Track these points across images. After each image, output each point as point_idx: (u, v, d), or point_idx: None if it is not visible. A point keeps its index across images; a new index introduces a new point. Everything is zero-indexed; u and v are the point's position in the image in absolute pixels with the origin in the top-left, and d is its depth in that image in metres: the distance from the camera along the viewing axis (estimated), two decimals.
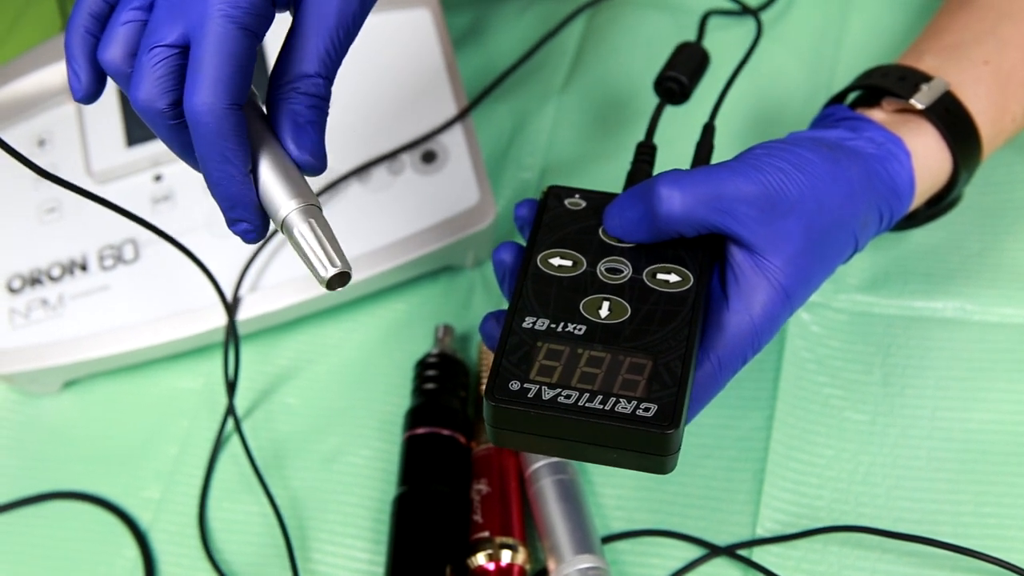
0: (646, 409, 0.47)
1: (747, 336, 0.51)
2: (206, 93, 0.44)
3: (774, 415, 0.63)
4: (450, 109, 0.70)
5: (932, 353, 0.63)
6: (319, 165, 0.48)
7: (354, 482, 0.65)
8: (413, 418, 0.64)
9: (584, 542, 0.58)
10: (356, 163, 0.70)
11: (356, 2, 0.47)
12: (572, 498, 0.60)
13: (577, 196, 0.55)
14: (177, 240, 0.58)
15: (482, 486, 0.61)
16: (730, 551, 0.59)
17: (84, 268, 0.69)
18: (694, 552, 0.60)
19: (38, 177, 0.70)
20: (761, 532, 0.60)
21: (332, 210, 0.69)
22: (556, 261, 0.52)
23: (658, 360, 0.48)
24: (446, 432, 0.63)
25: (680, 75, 0.61)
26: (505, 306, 0.53)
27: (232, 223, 0.47)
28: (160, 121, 0.45)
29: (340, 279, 0.45)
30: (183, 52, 0.45)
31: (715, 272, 0.52)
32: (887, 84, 0.58)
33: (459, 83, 0.71)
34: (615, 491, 0.62)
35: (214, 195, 0.46)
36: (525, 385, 0.48)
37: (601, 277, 0.52)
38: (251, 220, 0.47)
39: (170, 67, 0.45)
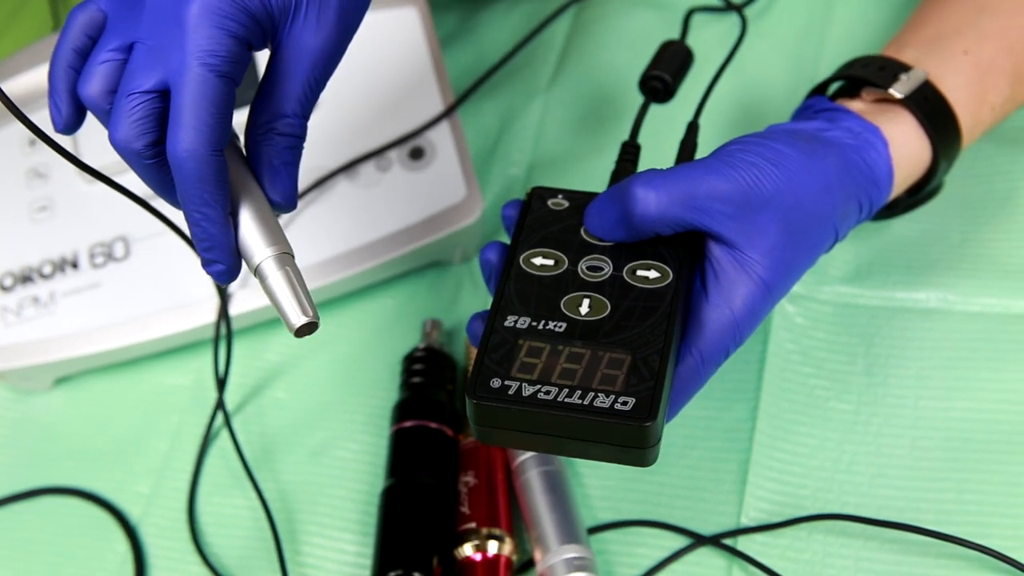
0: (624, 403, 0.49)
1: (728, 330, 0.52)
2: (188, 140, 0.46)
3: (759, 406, 0.65)
4: (437, 106, 0.72)
5: (915, 343, 0.65)
6: (289, 207, 0.51)
7: (342, 475, 0.67)
8: (401, 411, 0.66)
9: (570, 532, 0.60)
10: (344, 160, 0.72)
11: (333, 43, 0.50)
12: (558, 489, 0.62)
13: (560, 196, 0.57)
14: (178, 227, 0.59)
15: (469, 478, 0.63)
16: (715, 540, 0.61)
17: (75, 266, 0.71)
18: (680, 542, 0.62)
19: (29, 175, 0.73)
20: (746, 521, 0.61)
21: (320, 207, 0.71)
22: (538, 260, 0.54)
23: (636, 355, 0.50)
24: (433, 425, 0.65)
25: (664, 74, 0.64)
26: None
27: (207, 263, 0.50)
28: (137, 161, 0.48)
29: (308, 328, 0.48)
30: (161, 96, 0.47)
31: (696, 268, 0.54)
32: (866, 74, 0.60)
33: (446, 80, 0.73)
34: (601, 482, 0.64)
35: (192, 235, 0.49)
36: (506, 382, 0.50)
37: (582, 275, 0.54)
38: (226, 262, 0.49)
39: (147, 110, 0.47)
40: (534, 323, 0.52)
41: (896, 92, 0.59)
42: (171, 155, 0.47)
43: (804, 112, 0.61)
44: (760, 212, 0.52)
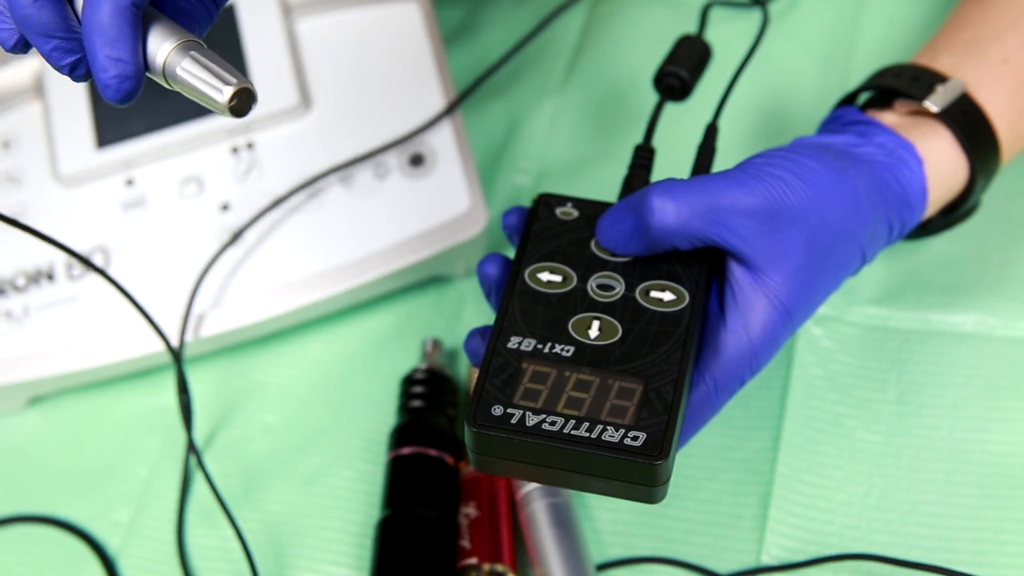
0: (634, 438, 0.47)
1: (745, 357, 0.51)
2: None
3: (781, 435, 0.63)
4: (439, 108, 0.71)
5: (950, 370, 0.64)
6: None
7: (336, 505, 0.65)
8: (398, 437, 0.64)
9: (578, 569, 0.59)
10: (339, 163, 0.70)
11: None
12: (566, 523, 0.60)
13: (569, 205, 0.56)
14: (111, 275, 0.59)
15: (470, 510, 0.62)
16: None
17: (51, 278, 0.70)
18: None
19: (2, 180, 0.72)
20: (767, 560, 0.60)
21: (314, 216, 0.70)
22: (545, 276, 0.53)
23: (649, 385, 0.49)
24: (433, 452, 0.64)
25: (680, 70, 0.62)
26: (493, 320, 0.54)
27: (107, 66, 0.45)
28: None
29: (245, 98, 0.45)
30: None
31: (712, 289, 0.53)
32: (900, 85, 0.58)
33: (449, 80, 0.72)
34: (611, 515, 0.63)
35: (94, 28, 0.44)
36: (508, 410, 0.48)
37: (592, 294, 0.52)
38: (130, 60, 0.45)
39: None
40: (539, 345, 0.50)
41: (932, 105, 0.57)
42: None
43: (833, 123, 0.59)
44: (785, 230, 0.51)
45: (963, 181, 0.58)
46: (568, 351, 0.50)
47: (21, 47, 0.48)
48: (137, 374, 0.71)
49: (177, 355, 0.65)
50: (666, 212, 0.50)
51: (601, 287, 0.52)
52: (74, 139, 0.72)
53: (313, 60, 0.73)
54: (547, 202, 0.56)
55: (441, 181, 0.70)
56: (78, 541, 0.66)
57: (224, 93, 0.44)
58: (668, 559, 0.61)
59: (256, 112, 0.71)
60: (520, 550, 0.62)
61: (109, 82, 0.45)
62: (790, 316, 0.52)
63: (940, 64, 0.59)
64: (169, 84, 0.46)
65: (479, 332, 0.54)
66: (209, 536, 0.65)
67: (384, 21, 0.73)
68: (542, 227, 0.55)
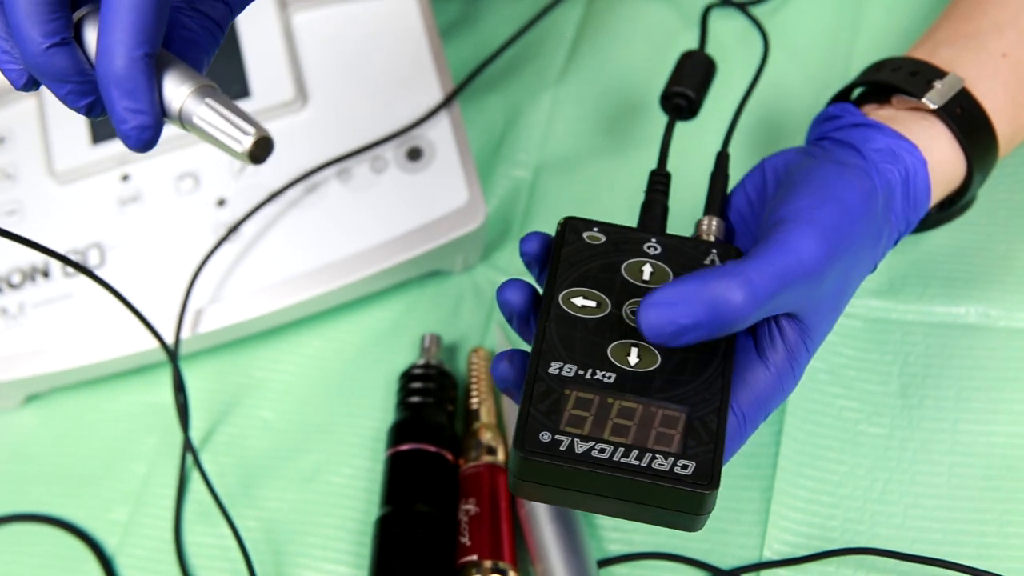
0: (684, 467, 0.48)
1: (774, 391, 0.52)
2: None
3: (783, 429, 0.63)
4: (436, 100, 0.71)
5: (953, 362, 0.64)
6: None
7: (334, 502, 0.65)
8: (397, 434, 0.65)
9: (579, 566, 0.59)
10: (335, 157, 0.70)
11: None
12: (566, 519, 0.61)
13: (596, 229, 0.56)
14: (104, 279, 0.58)
15: (470, 506, 0.62)
16: (736, 575, 0.60)
17: (46, 275, 0.70)
18: None
19: None
20: (769, 555, 0.60)
21: (312, 211, 0.70)
22: (579, 301, 0.53)
23: (692, 413, 0.49)
24: (432, 449, 0.64)
25: (687, 90, 0.62)
26: (504, 327, 0.54)
27: (125, 117, 0.45)
28: None
29: (263, 147, 0.45)
30: None
31: None
32: (897, 80, 0.58)
33: (446, 73, 0.72)
34: None
35: (110, 79, 0.44)
36: (556, 436, 0.49)
37: (627, 320, 0.52)
38: (148, 111, 0.45)
39: None
40: (581, 371, 0.51)
41: (930, 102, 0.57)
42: None
43: (830, 123, 0.59)
44: (828, 279, 0.51)
45: (961, 176, 0.58)
46: (610, 377, 0.51)
47: (32, 86, 0.48)
48: (134, 371, 0.71)
49: (172, 353, 0.65)
50: (747, 306, 0.48)
51: (636, 313, 0.52)
52: (69, 135, 0.72)
53: (309, 53, 0.73)
54: (574, 225, 0.56)
55: (439, 175, 0.70)
56: (76, 540, 0.66)
57: (243, 144, 0.44)
58: (670, 555, 0.61)
59: (252, 106, 0.71)
60: (520, 547, 0.62)
61: (129, 133, 0.45)
62: (813, 346, 0.53)
63: (939, 58, 0.59)
64: (185, 128, 0.46)
65: (505, 357, 0.53)
66: (207, 534, 0.65)
67: (381, 14, 0.73)
68: (571, 251, 0.55)
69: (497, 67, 0.78)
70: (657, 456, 0.48)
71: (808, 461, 0.62)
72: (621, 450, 0.49)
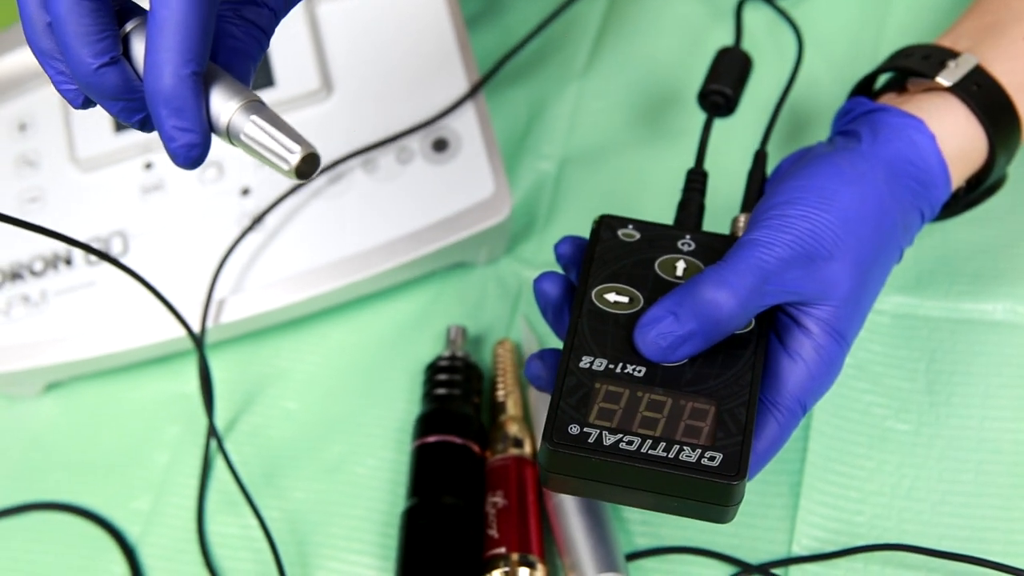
0: (711, 458, 0.49)
1: (805, 384, 0.53)
2: None
3: (811, 424, 0.64)
4: (462, 91, 0.71)
5: (980, 358, 0.64)
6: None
7: (359, 493, 0.66)
8: (423, 425, 0.65)
9: (607, 559, 0.59)
10: (361, 148, 0.70)
11: None
12: (594, 512, 0.61)
13: (631, 227, 0.57)
14: (128, 266, 0.58)
15: (498, 499, 0.62)
16: (764, 570, 0.60)
17: (68, 263, 0.70)
18: (725, 571, 0.61)
19: (19, 163, 0.72)
20: (797, 550, 0.60)
21: (336, 202, 0.70)
22: (612, 297, 0.54)
23: (721, 406, 0.50)
24: (459, 441, 0.64)
25: (724, 87, 0.63)
26: (539, 322, 0.54)
27: (174, 135, 0.45)
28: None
29: (310, 164, 0.45)
30: None
31: (773, 318, 0.54)
32: (910, 63, 0.59)
33: (472, 64, 0.72)
34: None
35: (158, 98, 0.44)
36: (585, 429, 0.50)
37: None
38: (197, 128, 0.45)
39: None
40: (611, 365, 0.52)
41: (943, 80, 0.58)
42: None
43: (845, 117, 0.60)
44: (827, 265, 0.52)
45: (983, 153, 0.58)
46: (640, 371, 0.51)
47: (90, 104, 0.48)
48: (155, 360, 0.71)
49: (198, 340, 0.65)
50: (729, 303, 0.51)
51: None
52: (92, 122, 0.72)
53: (334, 43, 0.73)
54: (608, 223, 0.57)
55: (465, 166, 0.70)
56: (98, 529, 0.66)
57: (290, 162, 0.44)
58: (697, 549, 0.61)
59: (276, 96, 0.71)
60: (548, 540, 0.62)
61: (177, 151, 0.46)
62: (844, 338, 0.53)
63: (960, 47, 0.60)
64: (232, 143, 0.46)
65: (537, 356, 0.55)
66: (230, 524, 0.66)
67: (406, 3, 0.73)
68: (605, 248, 0.56)
69: (521, 59, 0.78)
70: (685, 448, 0.49)
71: (836, 457, 0.63)
72: (649, 442, 0.49)
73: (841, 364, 0.54)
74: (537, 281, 0.55)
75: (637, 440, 0.49)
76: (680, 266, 0.55)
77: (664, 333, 0.51)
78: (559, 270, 0.57)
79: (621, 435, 0.49)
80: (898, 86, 0.61)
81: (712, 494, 0.49)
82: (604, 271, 0.55)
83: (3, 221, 0.50)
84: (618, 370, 0.51)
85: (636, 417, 0.50)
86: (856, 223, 0.53)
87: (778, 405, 0.52)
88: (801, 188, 0.54)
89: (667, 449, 0.49)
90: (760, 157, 0.60)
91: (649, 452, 0.49)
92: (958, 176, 0.58)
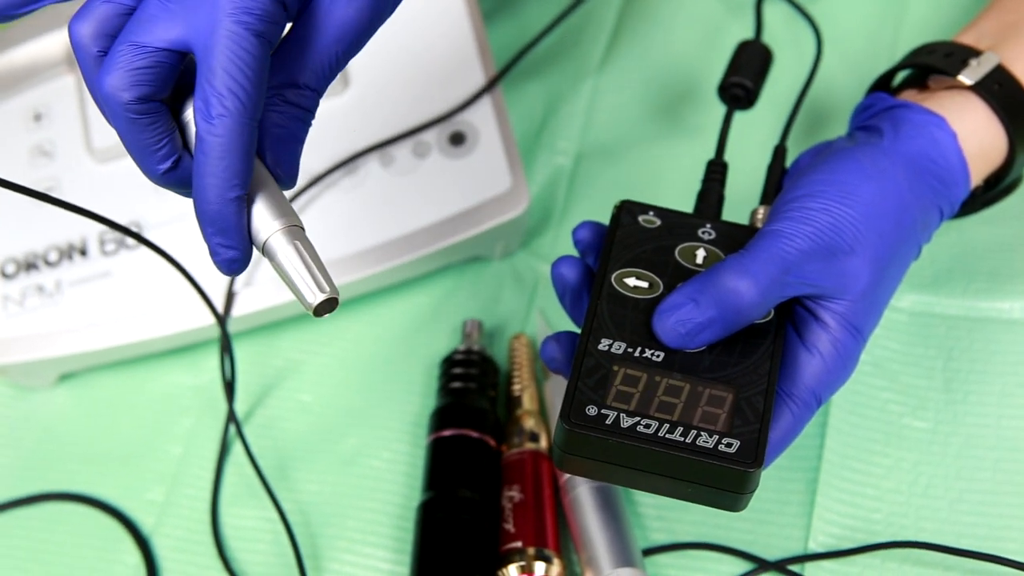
0: (728, 445, 0.49)
1: (820, 378, 0.53)
2: (224, 105, 0.44)
3: (828, 421, 0.64)
4: (479, 85, 0.71)
5: (998, 357, 0.64)
6: (290, 184, 0.49)
7: (374, 486, 0.66)
8: (439, 419, 0.65)
9: (624, 554, 0.59)
10: (377, 142, 0.70)
11: (366, 19, 0.48)
12: (611, 507, 0.61)
13: (651, 213, 0.57)
14: (156, 244, 0.58)
15: (514, 493, 0.62)
16: (780, 566, 0.60)
17: (83, 253, 0.70)
18: (741, 567, 0.61)
19: (34, 153, 0.72)
20: (814, 547, 0.61)
21: (352, 195, 0.70)
22: (631, 281, 0.54)
23: (740, 394, 0.50)
24: (475, 435, 0.64)
25: (744, 79, 0.63)
26: (562, 313, 0.55)
27: (218, 250, 0.47)
28: (121, 113, 0.46)
29: (328, 306, 0.46)
30: (173, 54, 0.45)
31: (791, 310, 0.54)
32: (932, 61, 0.59)
33: (489, 58, 0.72)
34: (655, 500, 0.63)
35: (203, 217, 0.46)
36: (603, 411, 0.50)
37: None
38: (240, 247, 0.47)
39: (152, 62, 0.45)
40: (630, 349, 0.52)
41: (965, 79, 0.58)
42: (200, 123, 0.45)
43: (864, 113, 0.60)
44: (847, 259, 0.53)
45: (1003, 151, 0.59)
46: (659, 356, 0.51)
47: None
48: (170, 352, 0.71)
49: (221, 319, 0.65)
50: (751, 291, 0.51)
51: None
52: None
53: None
54: (629, 208, 0.57)
55: (482, 160, 0.70)
56: (111, 519, 0.66)
57: (315, 299, 0.46)
58: (714, 545, 0.61)
59: None
60: (564, 534, 0.62)
61: (220, 264, 0.48)
62: (861, 333, 0.53)
63: (981, 46, 0.60)
64: (262, 254, 0.47)
65: (554, 338, 0.55)
66: (244, 516, 0.66)
67: None
68: (625, 233, 0.56)
69: (537, 55, 0.78)
70: (702, 433, 0.49)
71: (853, 454, 0.63)
72: (666, 426, 0.49)
73: (857, 358, 0.54)
74: (555, 265, 0.56)
75: (655, 423, 0.49)
76: (700, 254, 0.55)
77: (684, 320, 0.51)
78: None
79: (639, 418, 0.49)
80: (918, 83, 0.61)
81: (728, 481, 0.49)
82: (624, 256, 0.55)
83: (52, 203, 0.51)
84: (636, 354, 0.51)
85: (654, 401, 0.50)
86: (876, 218, 0.53)
87: (793, 397, 0.52)
88: (822, 182, 0.54)
89: (684, 434, 0.49)
90: (780, 152, 0.60)
91: (666, 436, 0.49)
92: (977, 174, 0.58)
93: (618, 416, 0.49)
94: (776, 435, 0.52)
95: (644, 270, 0.54)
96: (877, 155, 0.55)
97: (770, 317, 0.53)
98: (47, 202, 0.50)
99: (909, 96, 0.60)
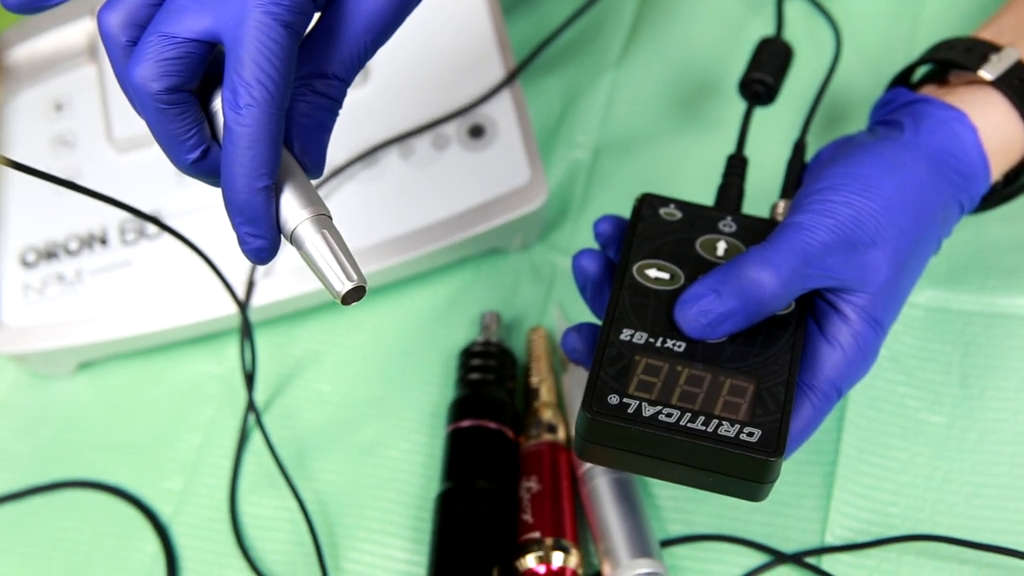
0: (750, 434, 0.49)
1: (840, 370, 0.53)
2: (252, 95, 0.45)
3: (845, 415, 0.64)
4: (499, 78, 0.71)
5: (1014, 353, 0.65)
6: (316, 174, 0.49)
7: (392, 476, 0.66)
8: (458, 410, 0.65)
9: (642, 545, 0.60)
10: (397, 134, 0.71)
11: (394, 9, 0.48)
12: (628, 498, 0.61)
13: (672, 206, 0.58)
14: (178, 231, 0.58)
15: (532, 484, 0.62)
16: (797, 559, 0.60)
17: (104, 242, 0.70)
18: (758, 559, 0.61)
19: (55, 143, 0.72)
20: (831, 539, 0.61)
21: (372, 187, 0.70)
22: (653, 273, 0.54)
23: (761, 384, 0.51)
24: (493, 426, 0.64)
25: (765, 76, 0.64)
26: (579, 306, 0.55)
27: (247, 240, 0.48)
28: (151, 104, 0.46)
29: (356, 294, 0.47)
30: (202, 44, 0.46)
31: (812, 302, 0.55)
32: (952, 56, 0.59)
33: (509, 51, 0.72)
34: (672, 492, 0.63)
35: (232, 206, 0.47)
36: (624, 400, 0.50)
37: None
38: (268, 236, 0.47)
39: (180, 53, 0.45)
40: (651, 339, 0.52)
41: (986, 74, 0.58)
42: (228, 112, 0.45)
43: (884, 108, 0.60)
44: (867, 252, 0.53)
45: (1022, 147, 0.59)
46: (680, 346, 0.52)
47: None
48: (189, 341, 0.72)
49: (243, 307, 0.65)
50: (772, 283, 0.51)
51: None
52: (129, 103, 0.72)
53: None
54: (650, 202, 0.58)
55: (501, 153, 0.70)
56: (130, 508, 0.67)
57: (344, 287, 0.46)
58: (731, 537, 0.62)
59: None
60: (582, 525, 0.62)
61: (248, 252, 0.48)
62: (881, 326, 0.54)
63: (1002, 40, 0.60)
64: (291, 243, 0.47)
65: (575, 329, 0.55)
66: (262, 505, 0.66)
67: None
68: (647, 225, 0.56)
69: (556, 49, 0.78)
70: (724, 423, 0.49)
71: (870, 448, 0.63)
72: (688, 415, 0.50)
73: (877, 351, 0.54)
74: (576, 258, 0.56)
75: (676, 412, 0.50)
76: (721, 246, 0.56)
77: (705, 311, 0.52)
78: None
79: (660, 407, 0.50)
80: (938, 78, 0.61)
81: (749, 470, 0.49)
82: (646, 247, 0.55)
83: (83, 192, 0.52)
84: (658, 344, 0.52)
85: (675, 391, 0.50)
86: (897, 212, 0.54)
87: (814, 388, 0.53)
88: (844, 175, 0.54)
89: (706, 423, 0.49)
90: (799, 146, 0.61)
91: (688, 425, 0.49)
92: (997, 170, 0.58)
93: (640, 405, 0.50)
94: (797, 426, 0.53)
95: (665, 262, 0.55)
96: (898, 149, 0.55)
97: (791, 309, 0.53)
98: (78, 191, 0.51)
99: (929, 91, 0.60)
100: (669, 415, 0.50)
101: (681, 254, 0.55)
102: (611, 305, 0.53)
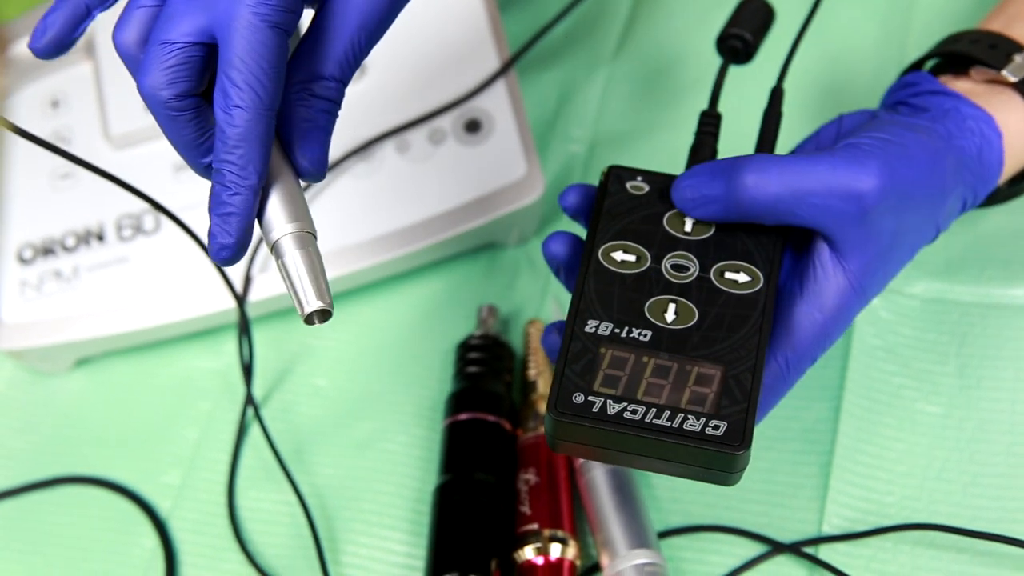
0: (715, 427, 0.49)
1: (819, 337, 0.53)
2: (240, 97, 0.45)
3: (841, 405, 0.64)
4: (494, 73, 0.72)
5: (1011, 343, 0.65)
6: (317, 175, 0.50)
7: (390, 470, 0.66)
8: (455, 403, 0.65)
9: (640, 536, 0.60)
10: (391, 128, 0.71)
11: (386, 5, 0.49)
12: (626, 490, 0.61)
13: (639, 179, 0.56)
14: (183, 222, 0.59)
15: (530, 476, 0.63)
16: (795, 548, 0.61)
17: (101, 238, 0.71)
18: (756, 549, 0.61)
19: (51, 139, 0.72)
20: (827, 529, 0.61)
21: (368, 182, 0.70)
22: (619, 256, 0.53)
23: (728, 371, 0.50)
24: (491, 418, 0.64)
25: (744, 31, 0.62)
26: (560, 301, 0.54)
27: (216, 233, 0.47)
28: (164, 111, 0.47)
29: (321, 316, 0.47)
30: (201, 46, 0.46)
31: (784, 264, 0.54)
32: (977, 53, 0.59)
33: (504, 45, 0.72)
34: (670, 483, 0.64)
35: (214, 199, 0.47)
36: (589, 398, 0.50)
37: (667, 275, 0.53)
38: (236, 236, 0.47)
39: (183, 58, 0.46)
40: (617, 330, 0.51)
41: (1010, 76, 0.58)
42: (219, 112, 0.46)
43: (905, 90, 0.60)
44: (881, 217, 0.52)
45: None
46: (646, 336, 0.51)
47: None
48: (186, 337, 0.72)
49: (240, 301, 0.65)
50: (761, 188, 0.51)
51: (675, 267, 0.53)
52: (125, 100, 0.72)
53: None
54: (618, 174, 0.56)
55: (497, 147, 0.70)
56: (128, 503, 0.67)
57: (308, 307, 0.47)
58: (729, 527, 0.62)
59: None
60: (580, 516, 0.63)
61: (211, 246, 0.48)
62: (865, 295, 0.53)
63: (1015, 31, 0.60)
64: (271, 252, 0.48)
65: (556, 328, 0.55)
66: (260, 499, 0.66)
67: None
68: (613, 202, 0.55)
69: (551, 43, 0.79)
70: (689, 417, 0.49)
71: (866, 438, 0.63)
72: (653, 411, 0.49)
73: (854, 317, 0.54)
74: (545, 244, 0.55)
75: (641, 409, 0.49)
76: (689, 221, 0.54)
77: (694, 185, 0.53)
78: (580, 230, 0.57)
79: (625, 404, 0.49)
80: (955, 69, 0.61)
81: (716, 462, 0.49)
82: (611, 228, 0.54)
83: (104, 177, 0.54)
84: (623, 334, 0.51)
85: (641, 384, 0.50)
86: (920, 189, 0.53)
87: (787, 357, 0.53)
88: (883, 141, 0.53)
89: (671, 418, 0.49)
90: (776, 94, 0.59)
91: (652, 422, 0.49)
92: (1010, 170, 0.59)
93: (605, 403, 0.49)
94: (764, 395, 0.52)
95: (631, 243, 0.54)
96: (933, 137, 0.55)
97: (760, 287, 0.52)
98: (93, 171, 0.53)
99: (948, 81, 0.60)
100: (634, 412, 0.49)
101: (648, 232, 0.54)
102: (576, 295, 0.52)
